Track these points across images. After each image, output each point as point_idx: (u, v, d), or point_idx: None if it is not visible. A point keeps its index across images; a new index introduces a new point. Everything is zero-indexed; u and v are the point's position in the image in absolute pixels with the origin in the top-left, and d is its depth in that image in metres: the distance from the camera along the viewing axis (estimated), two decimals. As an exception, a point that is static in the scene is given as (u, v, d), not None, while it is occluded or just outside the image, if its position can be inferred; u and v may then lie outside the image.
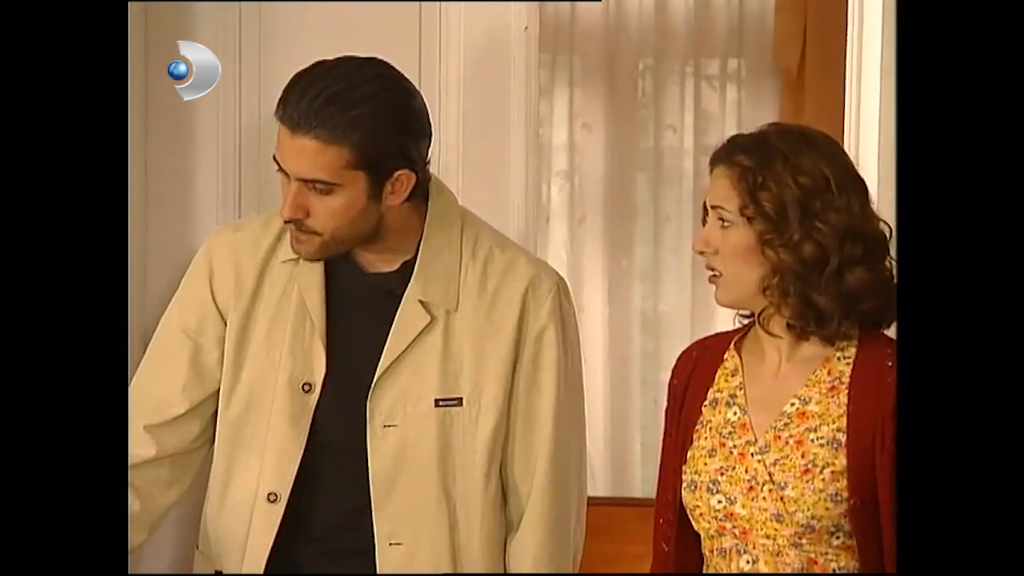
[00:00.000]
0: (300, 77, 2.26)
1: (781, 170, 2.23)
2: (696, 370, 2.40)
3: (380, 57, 2.36)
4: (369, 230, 2.32)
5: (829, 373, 2.27)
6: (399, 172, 2.29)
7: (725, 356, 2.38)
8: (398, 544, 2.33)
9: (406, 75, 2.34)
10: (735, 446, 2.29)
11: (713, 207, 2.29)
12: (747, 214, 2.24)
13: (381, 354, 2.33)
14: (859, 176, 2.29)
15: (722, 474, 2.29)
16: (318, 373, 2.32)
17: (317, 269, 2.34)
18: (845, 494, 2.20)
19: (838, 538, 2.23)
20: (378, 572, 2.33)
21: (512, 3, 2.90)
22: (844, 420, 2.22)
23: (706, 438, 2.33)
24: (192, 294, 2.40)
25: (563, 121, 5.05)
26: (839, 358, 2.27)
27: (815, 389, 2.26)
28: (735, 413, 2.32)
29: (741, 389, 2.33)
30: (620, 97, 5.09)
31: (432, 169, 2.42)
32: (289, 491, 2.30)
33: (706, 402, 2.35)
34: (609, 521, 4.78)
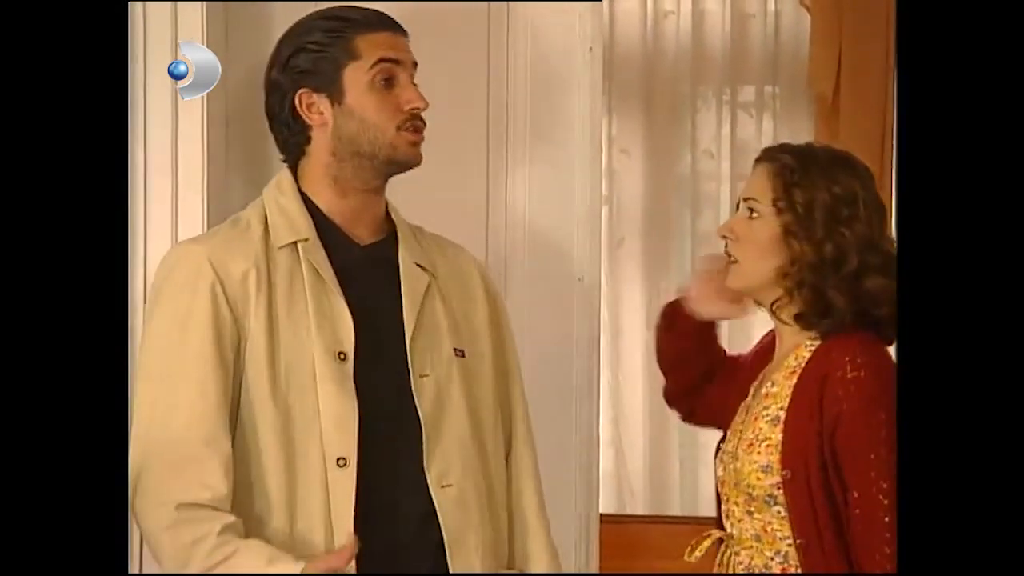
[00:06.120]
0: (350, 9, 2.48)
1: (817, 176, 2.36)
2: (760, 350, 2.56)
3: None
4: None
5: (795, 358, 2.39)
6: None
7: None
8: (448, 486, 2.40)
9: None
10: (739, 421, 2.45)
11: (745, 199, 2.43)
12: (778, 205, 2.37)
13: (396, 315, 2.43)
14: (883, 203, 2.41)
15: (727, 444, 2.46)
16: (348, 342, 2.38)
17: (321, 247, 2.42)
18: (777, 466, 2.32)
19: (775, 510, 2.35)
20: (438, 514, 2.38)
21: (577, 25, 2.98)
22: (788, 399, 2.35)
23: (740, 412, 2.48)
24: (197, 318, 2.35)
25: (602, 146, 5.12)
26: (806, 345, 2.39)
27: (782, 373, 2.40)
28: (751, 392, 2.47)
29: (766, 370, 2.48)
30: (657, 123, 5.17)
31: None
32: (356, 454, 2.35)
33: (755, 381, 2.50)
34: (648, 538, 4.84)
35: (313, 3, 2.96)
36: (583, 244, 3.03)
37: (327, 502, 2.35)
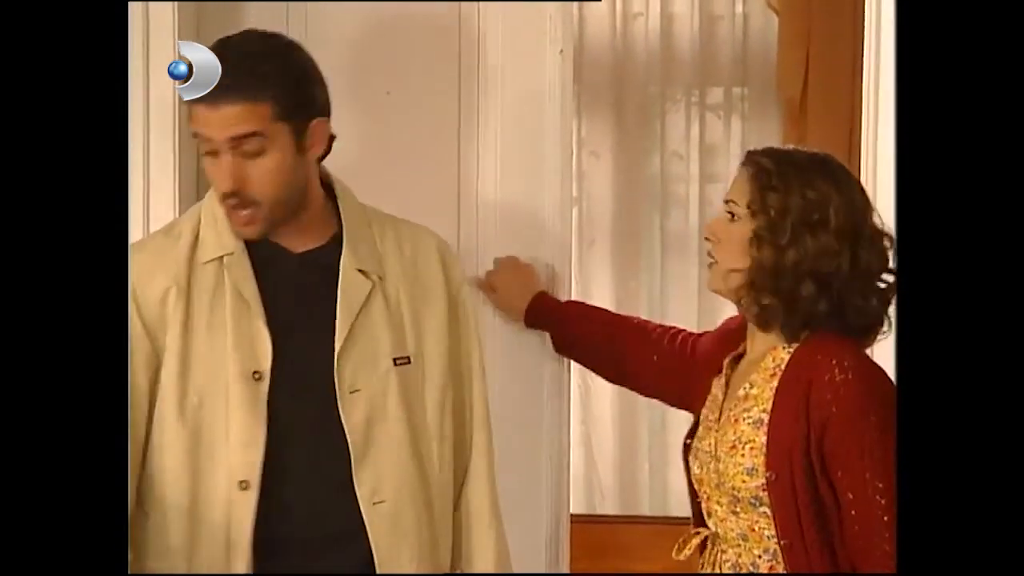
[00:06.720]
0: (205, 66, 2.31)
1: (794, 180, 2.38)
2: (723, 334, 2.60)
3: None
4: (299, 194, 2.37)
5: (773, 360, 2.40)
6: (314, 121, 2.37)
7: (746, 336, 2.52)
8: (381, 502, 2.38)
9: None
10: (712, 419, 2.46)
11: (726, 201, 2.44)
12: (752, 208, 2.39)
13: (330, 328, 2.39)
14: (863, 203, 2.41)
15: (700, 442, 2.47)
16: (265, 361, 2.35)
17: (246, 261, 2.38)
18: (762, 468, 2.33)
19: (761, 510, 2.36)
20: (368, 531, 2.37)
21: (548, 27, 3.00)
22: (771, 402, 2.36)
23: (707, 408, 2.50)
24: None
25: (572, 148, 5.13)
26: (783, 347, 2.40)
27: (760, 375, 2.41)
28: (719, 388, 2.49)
29: (731, 369, 2.49)
30: (627, 125, 5.18)
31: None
32: (259, 478, 2.33)
33: (718, 376, 2.52)
34: (618, 539, 4.86)
35: (282, 2, 2.98)
36: (553, 245, 3.04)
37: (227, 525, 2.34)
